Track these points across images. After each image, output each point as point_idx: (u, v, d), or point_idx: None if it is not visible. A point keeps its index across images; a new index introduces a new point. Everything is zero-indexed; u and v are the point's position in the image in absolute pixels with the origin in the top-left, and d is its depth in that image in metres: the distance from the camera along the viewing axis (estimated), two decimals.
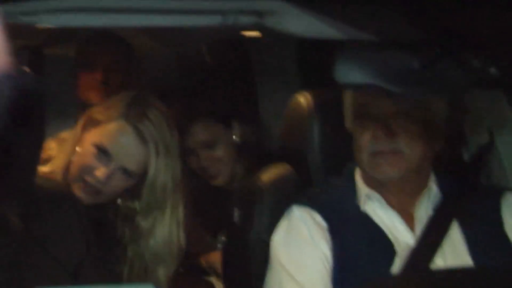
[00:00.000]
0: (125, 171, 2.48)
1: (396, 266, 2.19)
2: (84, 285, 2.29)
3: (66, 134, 2.66)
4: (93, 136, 2.50)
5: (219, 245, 3.14)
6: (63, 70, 3.61)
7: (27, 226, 2.24)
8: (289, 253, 2.26)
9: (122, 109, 2.51)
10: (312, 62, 3.24)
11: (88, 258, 2.36)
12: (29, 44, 3.91)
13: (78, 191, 2.47)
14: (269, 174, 2.50)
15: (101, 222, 2.60)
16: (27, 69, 2.12)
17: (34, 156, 2.15)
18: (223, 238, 3.01)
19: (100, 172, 2.45)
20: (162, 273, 2.60)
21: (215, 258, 3.00)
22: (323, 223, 2.26)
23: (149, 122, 2.50)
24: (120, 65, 3.40)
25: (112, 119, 2.50)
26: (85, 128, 2.56)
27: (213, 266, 3.03)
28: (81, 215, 2.39)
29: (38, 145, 2.13)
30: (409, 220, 2.28)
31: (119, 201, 2.61)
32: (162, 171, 2.52)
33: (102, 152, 2.47)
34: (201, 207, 3.16)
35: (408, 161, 2.21)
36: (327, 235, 2.25)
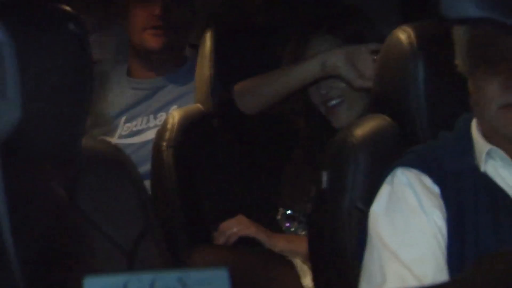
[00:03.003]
0: None
1: None
2: (143, 269, 2.01)
3: None
4: None
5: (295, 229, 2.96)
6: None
7: (73, 198, 1.98)
8: (393, 226, 2.05)
9: None
10: None
11: (147, 232, 2.12)
12: None
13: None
14: (364, 128, 2.27)
15: None
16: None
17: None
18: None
19: None
20: None
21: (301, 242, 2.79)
22: (435, 188, 2.04)
23: None
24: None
25: None
26: None
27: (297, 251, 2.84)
28: (135, 179, 2.14)
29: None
30: None
31: None
32: None
33: None
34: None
35: None
36: (440, 202, 2.03)
